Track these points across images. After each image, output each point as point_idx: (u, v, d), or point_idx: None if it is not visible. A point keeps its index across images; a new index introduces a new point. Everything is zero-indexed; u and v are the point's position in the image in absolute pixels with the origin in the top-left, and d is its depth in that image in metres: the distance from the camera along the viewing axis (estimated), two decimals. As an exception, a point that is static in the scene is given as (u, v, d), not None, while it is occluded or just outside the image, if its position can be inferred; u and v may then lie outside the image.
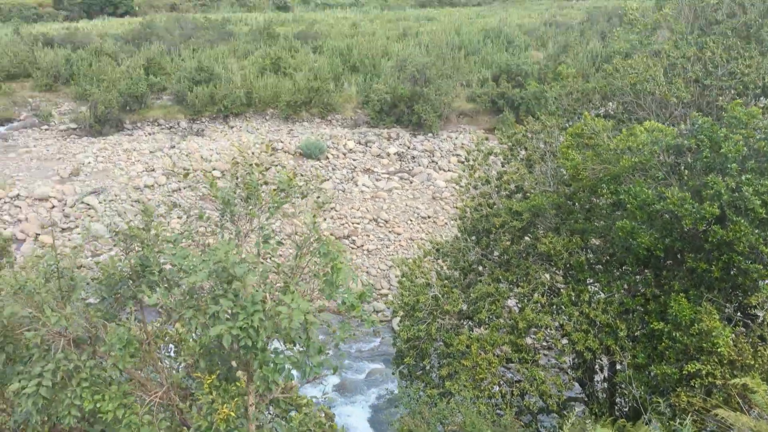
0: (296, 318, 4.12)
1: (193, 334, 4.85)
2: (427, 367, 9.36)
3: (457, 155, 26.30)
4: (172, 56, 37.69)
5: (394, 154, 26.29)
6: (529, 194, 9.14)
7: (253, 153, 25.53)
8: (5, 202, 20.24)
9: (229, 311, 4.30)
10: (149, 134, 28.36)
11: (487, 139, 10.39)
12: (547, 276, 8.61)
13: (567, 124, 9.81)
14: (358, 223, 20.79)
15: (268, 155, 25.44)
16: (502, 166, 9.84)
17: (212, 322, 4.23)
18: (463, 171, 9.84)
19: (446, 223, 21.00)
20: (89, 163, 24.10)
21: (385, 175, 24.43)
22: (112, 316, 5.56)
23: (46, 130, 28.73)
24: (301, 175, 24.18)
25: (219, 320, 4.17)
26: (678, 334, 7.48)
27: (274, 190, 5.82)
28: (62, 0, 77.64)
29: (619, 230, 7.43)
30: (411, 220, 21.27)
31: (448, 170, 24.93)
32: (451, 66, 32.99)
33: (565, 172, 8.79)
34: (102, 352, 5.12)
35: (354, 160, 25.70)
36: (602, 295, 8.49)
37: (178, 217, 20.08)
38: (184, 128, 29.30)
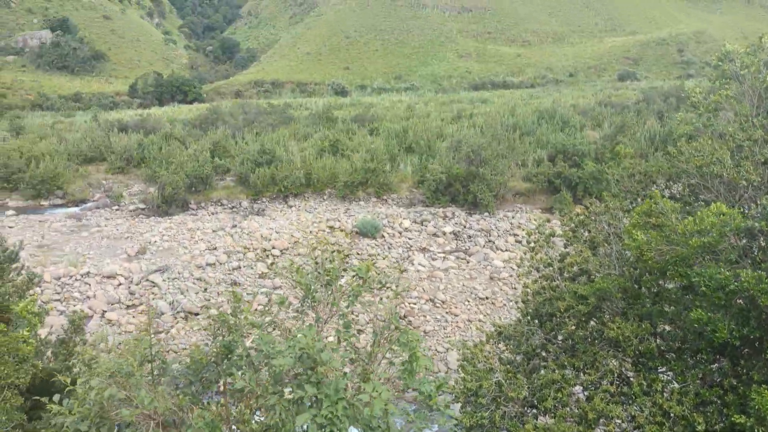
0: (377, 407, 4.10)
1: (277, 420, 4.91)
2: (491, 457, 8.96)
3: (515, 235, 26.14)
4: (236, 139, 39.52)
5: (450, 233, 26.32)
6: (593, 277, 8.94)
7: (311, 232, 26.04)
8: (76, 280, 21.10)
9: (313, 398, 4.35)
10: (212, 214, 29.40)
11: (548, 220, 10.28)
12: (616, 363, 8.27)
13: (630, 206, 9.67)
14: (415, 303, 20.64)
15: (326, 233, 25.88)
16: (564, 248, 9.70)
17: (296, 408, 4.26)
18: (524, 252, 9.74)
19: (504, 305, 20.63)
20: (155, 242, 25.04)
21: (441, 254, 24.39)
22: (197, 400, 5.66)
23: (116, 210, 30.22)
24: (357, 254, 24.40)
25: (303, 406, 4.20)
26: (761, 430, 6.98)
27: (353, 278, 5.93)
28: (136, 89, 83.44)
29: (694, 321, 7.14)
30: (468, 301, 20.99)
31: (506, 250, 24.72)
32: (507, 146, 33.34)
33: (629, 254, 8.61)
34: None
35: (410, 239, 25.84)
36: (676, 385, 8.06)
37: (260, 304, 20.44)
38: (246, 208, 30.28)
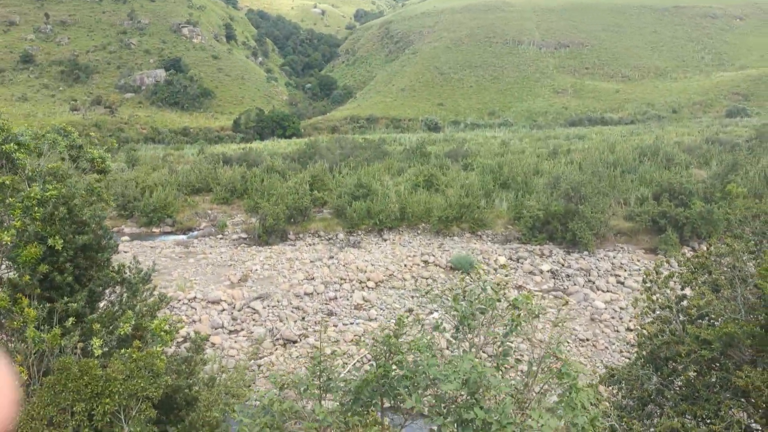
0: (546, 435, 4.11)
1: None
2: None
3: (616, 275, 25.11)
4: (333, 173, 40.64)
5: (548, 271, 25.66)
6: (714, 321, 8.41)
7: (405, 266, 26.18)
8: (184, 303, 22.23)
9: (481, 421, 4.42)
10: (310, 245, 30.23)
11: (667, 261, 9.82)
12: (743, 415, 7.70)
13: (756, 248, 9.09)
14: (512, 343, 20.15)
15: (421, 267, 25.93)
16: (682, 290, 9.21)
17: (461, 430, 4.32)
18: (641, 293, 9.31)
19: (606, 348, 19.74)
20: (256, 270, 25.99)
21: (539, 293, 23.79)
22: (362, 417, 5.82)
23: (220, 238, 31.71)
24: (450, 290, 24.21)
25: (468, 429, 4.25)
26: None
27: (509, 307, 6.07)
28: (239, 124, 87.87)
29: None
30: (568, 342, 20.27)
31: (607, 291, 23.77)
32: (607, 183, 32.33)
33: (752, 299, 8.05)
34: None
35: (505, 276, 25.40)
36: (813, 444, 7.40)
37: (355, 335, 20.79)
38: (342, 240, 30.92)
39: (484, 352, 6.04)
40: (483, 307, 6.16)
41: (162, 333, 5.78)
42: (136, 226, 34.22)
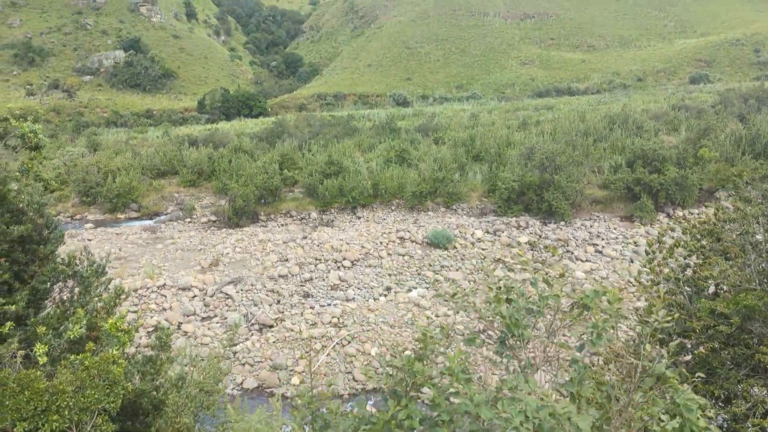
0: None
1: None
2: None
3: (594, 245, 24.89)
4: (303, 152, 39.67)
5: (526, 243, 25.33)
6: (723, 293, 7.91)
7: (381, 243, 25.59)
8: (153, 291, 21.32)
9: None
10: (282, 225, 29.41)
11: (671, 229, 9.30)
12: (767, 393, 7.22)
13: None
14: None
15: (397, 244, 25.37)
16: (685, 259, 8.69)
17: None
18: (643, 265, 8.76)
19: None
20: (227, 253, 25.13)
21: (518, 265, 23.43)
22: None
23: (189, 222, 30.66)
24: (429, 265, 23.75)
25: None
26: None
27: (574, 307, 4.29)
28: (204, 105, 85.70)
29: None
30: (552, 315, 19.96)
31: (586, 260, 23.53)
32: (581, 153, 32.06)
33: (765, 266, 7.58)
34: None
35: (483, 249, 25.01)
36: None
37: (333, 317, 20.13)
38: (315, 219, 30.17)
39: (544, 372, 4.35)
40: (537, 308, 4.38)
41: (118, 333, 5.06)
42: (100, 213, 32.94)
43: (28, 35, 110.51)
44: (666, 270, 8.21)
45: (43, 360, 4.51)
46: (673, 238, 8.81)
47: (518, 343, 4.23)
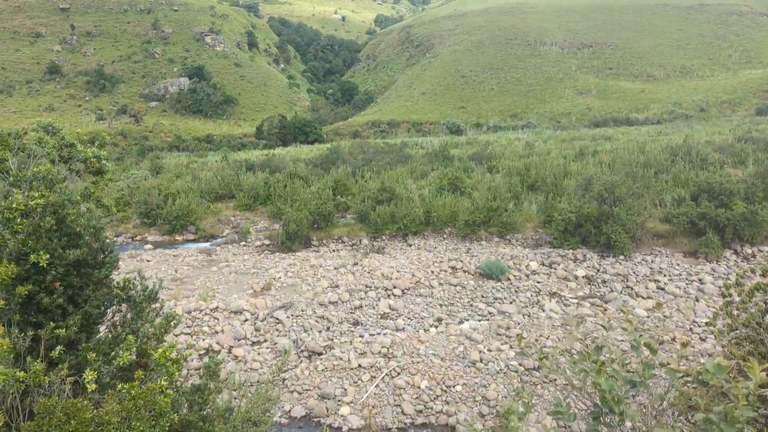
0: None
1: None
2: None
3: (656, 281, 23.85)
4: (356, 178, 39.87)
5: (583, 277, 24.51)
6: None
7: (432, 272, 25.23)
8: (206, 314, 21.53)
9: None
10: (333, 251, 29.43)
11: (752, 270, 8.67)
12: None
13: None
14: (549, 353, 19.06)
15: (449, 274, 24.96)
16: (766, 305, 8.07)
17: None
18: (720, 309, 8.18)
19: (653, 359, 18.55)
20: (279, 278, 25.24)
21: (574, 300, 22.66)
22: None
23: (243, 246, 31.07)
24: (482, 297, 23.22)
25: None
26: None
27: (685, 376, 3.54)
28: (262, 131, 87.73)
29: None
30: (611, 353, 19.12)
31: (648, 297, 22.55)
32: (642, 184, 31.04)
33: None
34: None
35: (538, 282, 24.31)
36: None
37: (383, 346, 19.88)
38: (366, 245, 30.08)
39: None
40: (638, 379, 3.59)
41: (167, 363, 4.96)
42: (159, 234, 33.78)
43: (100, 63, 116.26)
44: (744, 315, 7.63)
45: (91, 387, 4.45)
46: (753, 280, 8.19)
47: (616, 421, 3.48)
